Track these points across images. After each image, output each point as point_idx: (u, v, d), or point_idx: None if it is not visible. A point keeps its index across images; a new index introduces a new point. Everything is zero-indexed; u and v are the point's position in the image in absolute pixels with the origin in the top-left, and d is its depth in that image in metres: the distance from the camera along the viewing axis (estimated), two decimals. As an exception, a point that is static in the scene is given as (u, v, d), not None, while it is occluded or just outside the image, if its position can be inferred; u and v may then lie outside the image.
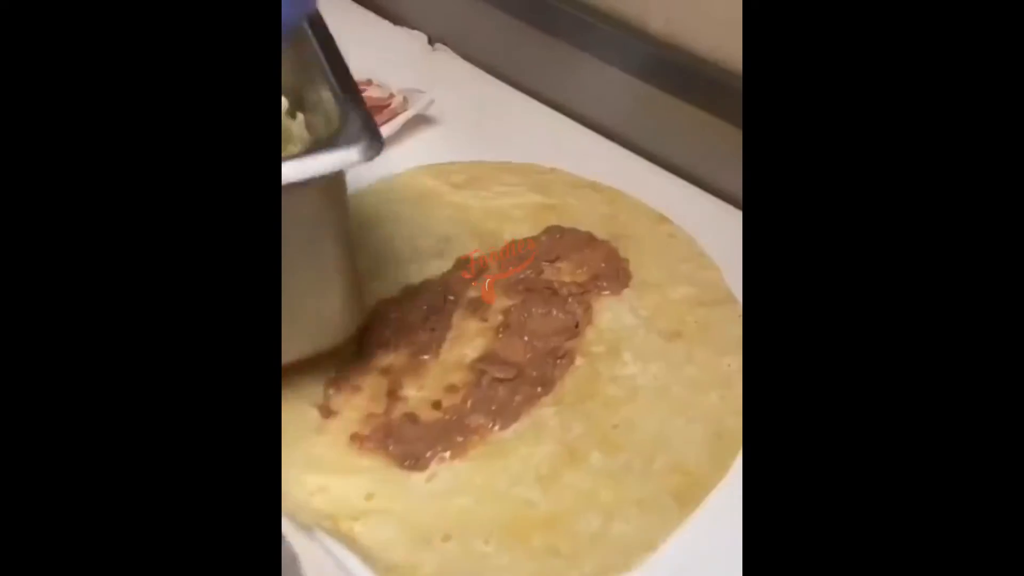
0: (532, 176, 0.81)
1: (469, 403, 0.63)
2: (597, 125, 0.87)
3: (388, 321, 0.68)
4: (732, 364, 0.65)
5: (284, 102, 0.57)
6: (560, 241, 0.74)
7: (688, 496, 0.58)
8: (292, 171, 0.45)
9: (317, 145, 0.49)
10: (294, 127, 0.58)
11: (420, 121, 0.87)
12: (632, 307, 0.71)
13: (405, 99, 0.87)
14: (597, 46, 0.83)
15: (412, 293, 0.70)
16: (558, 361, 0.66)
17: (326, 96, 0.51)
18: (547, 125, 0.89)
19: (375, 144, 0.47)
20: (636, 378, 0.66)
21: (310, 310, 0.57)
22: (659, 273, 0.73)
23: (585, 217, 0.77)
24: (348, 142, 0.47)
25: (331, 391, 0.64)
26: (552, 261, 0.73)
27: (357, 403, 0.63)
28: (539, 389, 0.64)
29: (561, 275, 0.72)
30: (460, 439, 0.61)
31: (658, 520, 0.57)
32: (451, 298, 0.69)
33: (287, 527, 0.56)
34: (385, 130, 0.84)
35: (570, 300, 0.70)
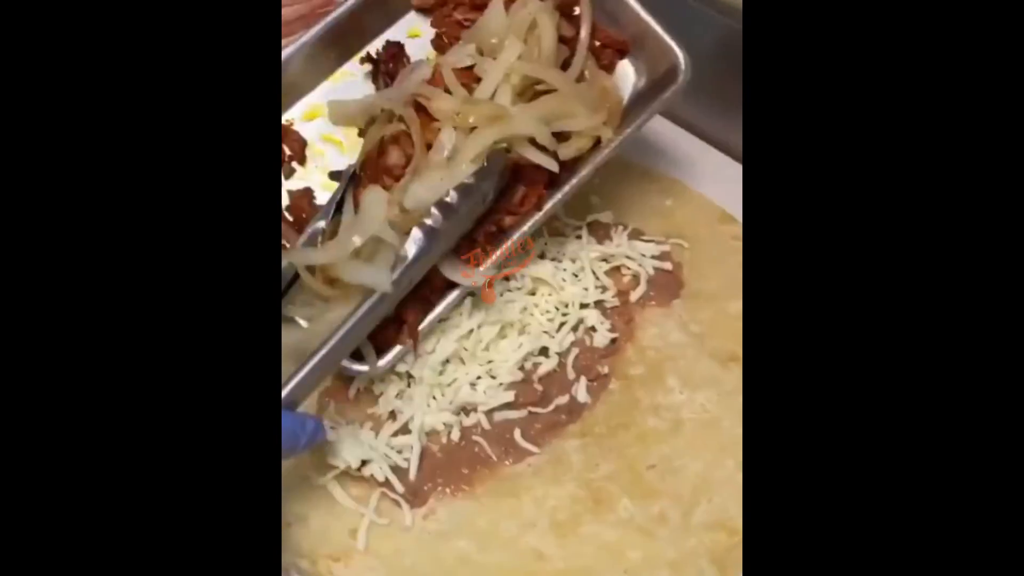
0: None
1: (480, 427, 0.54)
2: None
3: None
4: (798, 399, 0.54)
5: None
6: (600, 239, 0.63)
7: (731, 561, 0.49)
8: None
9: None
10: None
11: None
12: (682, 322, 0.60)
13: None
14: (664, 10, 0.72)
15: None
16: (590, 383, 0.56)
17: None
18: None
19: None
20: (681, 409, 0.56)
21: None
22: (717, 283, 0.62)
23: (635, 211, 0.67)
24: None
25: (327, 399, 0.56)
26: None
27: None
28: (564, 416, 0.55)
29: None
30: (466, 471, 0.52)
31: (693, 589, 0.48)
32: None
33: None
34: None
35: (608, 310, 0.60)
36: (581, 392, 0.56)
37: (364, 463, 0.52)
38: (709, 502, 0.51)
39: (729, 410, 0.55)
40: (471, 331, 0.55)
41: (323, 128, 0.57)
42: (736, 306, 0.61)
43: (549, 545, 0.49)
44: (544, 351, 0.57)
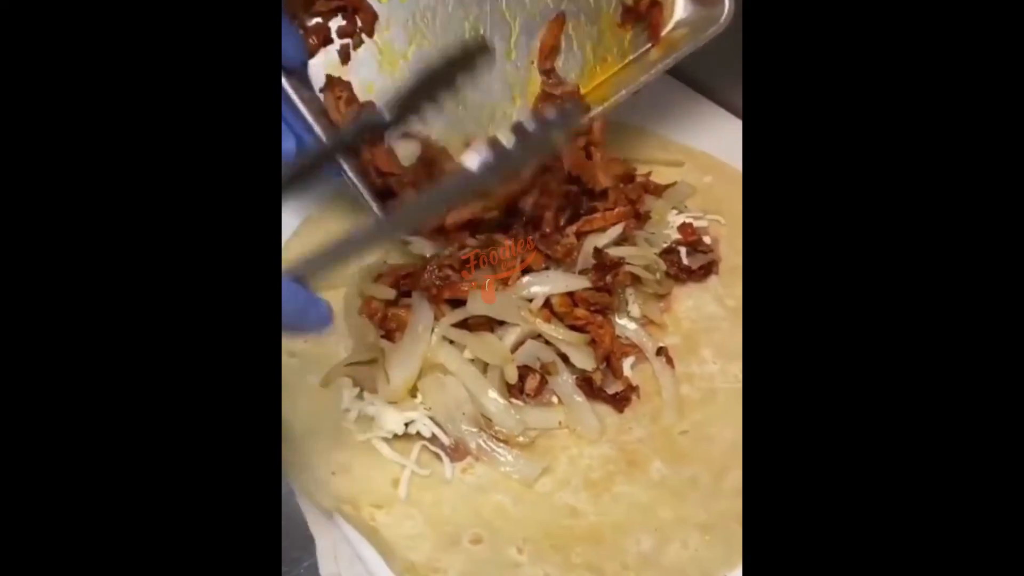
0: (616, 135, 0.71)
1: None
2: (696, 81, 0.77)
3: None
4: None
5: None
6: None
7: (761, 525, 0.50)
8: None
9: None
10: None
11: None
12: (718, 296, 0.61)
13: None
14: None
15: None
16: (625, 350, 0.58)
17: None
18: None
19: None
20: (714, 378, 0.57)
21: None
22: (754, 258, 0.63)
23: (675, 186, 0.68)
24: None
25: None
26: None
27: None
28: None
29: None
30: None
31: (721, 550, 0.49)
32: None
33: (305, 508, 0.51)
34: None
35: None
36: (626, 367, 0.57)
37: (408, 423, 0.54)
38: (740, 468, 0.52)
39: (761, 382, 0.56)
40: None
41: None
42: (771, 282, 0.62)
43: (582, 502, 0.51)
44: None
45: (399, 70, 0.60)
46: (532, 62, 0.63)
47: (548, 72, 0.63)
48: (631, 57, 0.65)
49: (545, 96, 0.64)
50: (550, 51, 0.63)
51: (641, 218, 0.62)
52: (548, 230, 0.58)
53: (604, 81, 0.65)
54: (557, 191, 0.59)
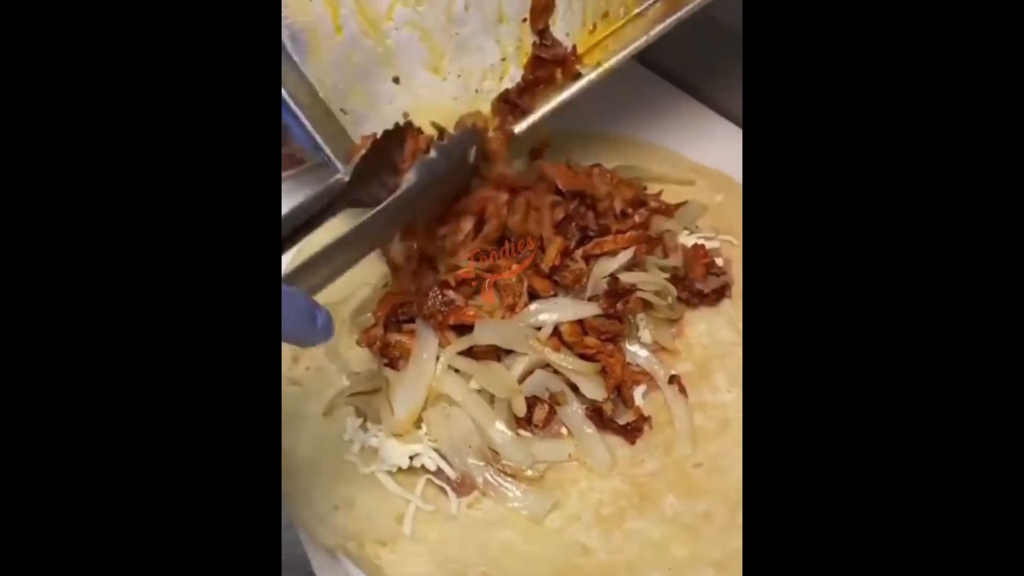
0: (627, 152, 0.70)
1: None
2: (707, 96, 0.75)
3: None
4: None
5: None
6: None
7: (779, 563, 0.48)
8: None
9: None
10: None
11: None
12: (731, 319, 0.59)
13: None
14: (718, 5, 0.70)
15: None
16: (636, 378, 0.56)
17: None
18: (650, 94, 0.77)
19: None
20: (728, 407, 0.55)
21: None
22: (768, 281, 0.61)
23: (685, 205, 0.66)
24: None
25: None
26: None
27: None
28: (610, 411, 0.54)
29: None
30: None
31: (739, 590, 0.47)
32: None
33: (307, 543, 0.50)
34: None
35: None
36: (638, 396, 0.55)
37: (413, 456, 0.52)
38: (756, 503, 0.50)
39: (778, 411, 0.54)
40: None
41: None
42: (786, 305, 0.60)
43: (593, 539, 0.49)
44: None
45: (382, 32, 0.57)
46: (524, 20, 0.59)
47: (542, 33, 0.60)
48: (636, 11, 0.61)
49: (536, 60, 0.60)
50: (544, 8, 0.59)
51: (652, 242, 0.60)
52: (554, 253, 0.56)
53: (604, 39, 0.61)
54: (545, 204, 0.57)
